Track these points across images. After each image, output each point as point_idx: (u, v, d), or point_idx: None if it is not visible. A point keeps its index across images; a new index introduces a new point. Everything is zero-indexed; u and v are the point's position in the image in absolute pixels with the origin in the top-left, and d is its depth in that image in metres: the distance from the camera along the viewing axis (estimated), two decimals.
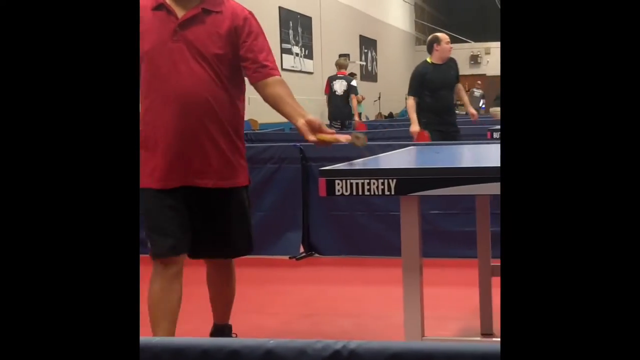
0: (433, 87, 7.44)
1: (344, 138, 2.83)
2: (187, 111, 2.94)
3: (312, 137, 2.87)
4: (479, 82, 22.22)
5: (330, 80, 12.69)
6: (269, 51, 3.08)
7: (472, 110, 8.37)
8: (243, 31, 3.01)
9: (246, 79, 3.12)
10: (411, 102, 7.47)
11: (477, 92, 20.90)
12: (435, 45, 7.48)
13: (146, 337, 1.00)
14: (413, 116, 7.42)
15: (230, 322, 3.43)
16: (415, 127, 7.38)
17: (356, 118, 13.06)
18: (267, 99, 3.04)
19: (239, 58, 3.02)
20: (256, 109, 13.42)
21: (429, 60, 7.53)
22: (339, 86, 12.58)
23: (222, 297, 3.35)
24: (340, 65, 13.13)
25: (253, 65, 3.01)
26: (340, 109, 12.59)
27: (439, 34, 7.74)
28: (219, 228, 3.12)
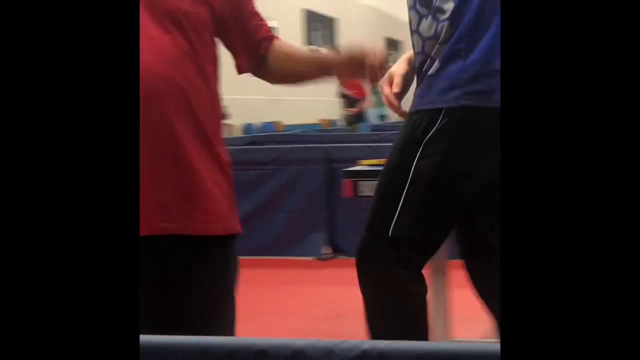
0: None
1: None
2: (147, 106, 1.64)
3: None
4: None
5: None
6: None
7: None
8: None
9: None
10: None
11: None
12: None
13: (166, 336, 0.98)
14: None
15: (255, 323, 3.39)
16: None
17: None
18: (282, 57, 1.94)
19: (224, 19, 1.83)
20: (282, 111, 13.45)
21: None
22: None
23: None
24: None
25: (260, 27, 1.91)
26: None
27: None
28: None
